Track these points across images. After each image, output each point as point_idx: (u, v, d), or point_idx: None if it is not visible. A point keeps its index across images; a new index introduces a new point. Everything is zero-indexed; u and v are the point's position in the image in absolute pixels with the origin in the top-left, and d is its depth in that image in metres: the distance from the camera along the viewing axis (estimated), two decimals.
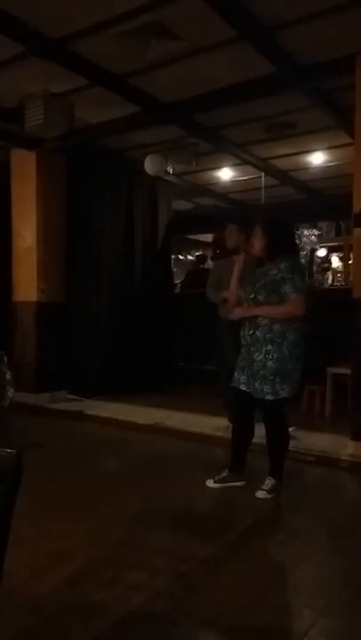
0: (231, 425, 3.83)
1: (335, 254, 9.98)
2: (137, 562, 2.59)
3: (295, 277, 3.26)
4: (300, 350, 3.36)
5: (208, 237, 11.34)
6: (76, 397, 6.42)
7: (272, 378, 3.28)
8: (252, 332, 3.36)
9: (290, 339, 3.29)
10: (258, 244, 3.43)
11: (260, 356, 3.30)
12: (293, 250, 3.50)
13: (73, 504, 3.32)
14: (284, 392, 3.30)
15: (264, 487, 3.42)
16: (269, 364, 3.27)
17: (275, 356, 3.27)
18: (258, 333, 3.32)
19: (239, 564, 2.62)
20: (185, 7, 3.64)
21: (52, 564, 2.53)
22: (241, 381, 3.44)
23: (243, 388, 3.43)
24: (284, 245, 3.41)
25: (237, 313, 3.43)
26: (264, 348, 3.29)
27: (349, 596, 2.31)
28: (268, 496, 3.39)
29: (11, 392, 4.88)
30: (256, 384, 3.33)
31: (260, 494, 3.39)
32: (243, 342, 3.46)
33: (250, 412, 3.52)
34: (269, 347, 3.28)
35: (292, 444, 3.73)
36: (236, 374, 3.48)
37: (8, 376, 4.89)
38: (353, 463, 4.02)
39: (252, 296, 3.35)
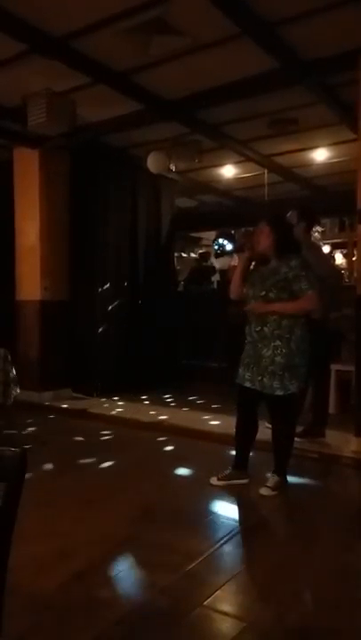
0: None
1: (339, 251, 9.97)
2: (140, 559, 2.60)
3: (309, 274, 3.28)
4: (307, 345, 3.36)
5: (211, 235, 11.34)
6: (79, 395, 6.44)
7: (281, 373, 3.28)
8: (259, 328, 3.35)
9: (297, 334, 3.30)
10: (265, 242, 3.40)
11: (269, 352, 3.30)
12: (299, 247, 3.49)
13: (77, 501, 3.32)
14: (293, 387, 3.31)
15: (268, 484, 3.42)
16: (278, 359, 3.28)
17: (283, 351, 3.27)
18: (266, 329, 3.32)
19: (243, 562, 2.62)
20: (187, 3, 3.63)
21: (56, 561, 2.54)
22: (246, 378, 3.44)
23: (247, 384, 3.43)
24: (292, 243, 3.40)
25: (255, 308, 3.37)
26: (272, 344, 3.30)
27: (354, 595, 2.31)
28: (273, 493, 3.38)
29: (15, 390, 4.89)
30: (265, 380, 3.33)
31: (264, 491, 3.39)
32: (248, 339, 3.45)
33: (254, 410, 3.51)
34: (278, 342, 3.28)
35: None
36: (240, 371, 3.48)
37: (12, 374, 4.91)
38: (357, 460, 4.02)
39: (263, 294, 3.34)
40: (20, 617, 1.98)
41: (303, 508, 3.32)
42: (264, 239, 3.40)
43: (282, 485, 3.44)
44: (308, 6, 3.65)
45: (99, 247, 6.49)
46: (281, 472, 3.47)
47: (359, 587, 2.37)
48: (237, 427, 3.60)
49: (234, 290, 3.58)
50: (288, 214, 4.41)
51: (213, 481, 3.57)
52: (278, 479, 3.44)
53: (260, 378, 3.35)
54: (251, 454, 3.61)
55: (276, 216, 3.54)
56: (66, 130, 5.09)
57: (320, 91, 4.84)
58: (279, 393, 3.30)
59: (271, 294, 3.30)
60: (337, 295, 4.40)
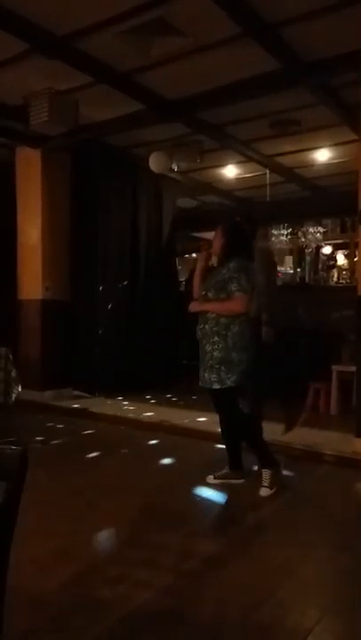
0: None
1: (341, 251, 9.95)
2: (141, 559, 2.60)
3: (241, 277, 3.39)
4: (246, 341, 3.44)
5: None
6: (81, 395, 6.44)
7: (218, 367, 3.38)
8: (202, 326, 3.50)
9: (234, 330, 3.40)
10: (217, 244, 3.58)
11: (209, 347, 3.44)
12: (247, 252, 3.61)
13: (77, 501, 3.33)
14: (229, 381, 3.39)
15: (264, 483, 3.44)
16: (215, 353, 3.40)
17: (220, 346, 3.39)
18: (206, 327, 3.46)
19: (243, 562, 2.62)
20: (189, 4, 3.63)
21: (57, 560, 2.54)
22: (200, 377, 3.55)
23: (201, 384, 3.53)
24: (237, 248, 3.53)
25: (191, 307, 3.56)
26: (211, 340, 3.43)
27: (354, 594, 2.31)
28: (271, 492, 3.40)
29: (16, 389, 4.90)
30: (205, 374, 3.45)
31: (264, 492, 3.40)
32: (197, 337, 3.57)
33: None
34: (216, 338, 3.41)
35: (299, 441, 3.73)
36: (200, 372, 3.56)
37: (13, 373, 4.91)
38: (357, 461, 4.02)
39: (204, 293, 3.51)
40: (20, 617, 1.98)
41: (303, 509, 3.32)
42: (217, 241, 3.59)
43: (277, 478, 3.47)
44: (310, 7, 3.66)
45: (100, 247, 6.49)
46: (267, 463, 3.49)
47: (359, 587, 2.37)
48: (221, 429, 3.70)
49: (194, 288, 3.75)
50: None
51: (210, 479, 3.62)
52: (270, 472, 3.46)
53: (203, 374, 3.46)
54: (242, 453, 3.64)
55: (229, 221, 3.73)
56: (68, 129, 5.10)
57: (322, 92, 4.84)
58: (216, 386, 3.40)
59: (210, 293, 3.46)
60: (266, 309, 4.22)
